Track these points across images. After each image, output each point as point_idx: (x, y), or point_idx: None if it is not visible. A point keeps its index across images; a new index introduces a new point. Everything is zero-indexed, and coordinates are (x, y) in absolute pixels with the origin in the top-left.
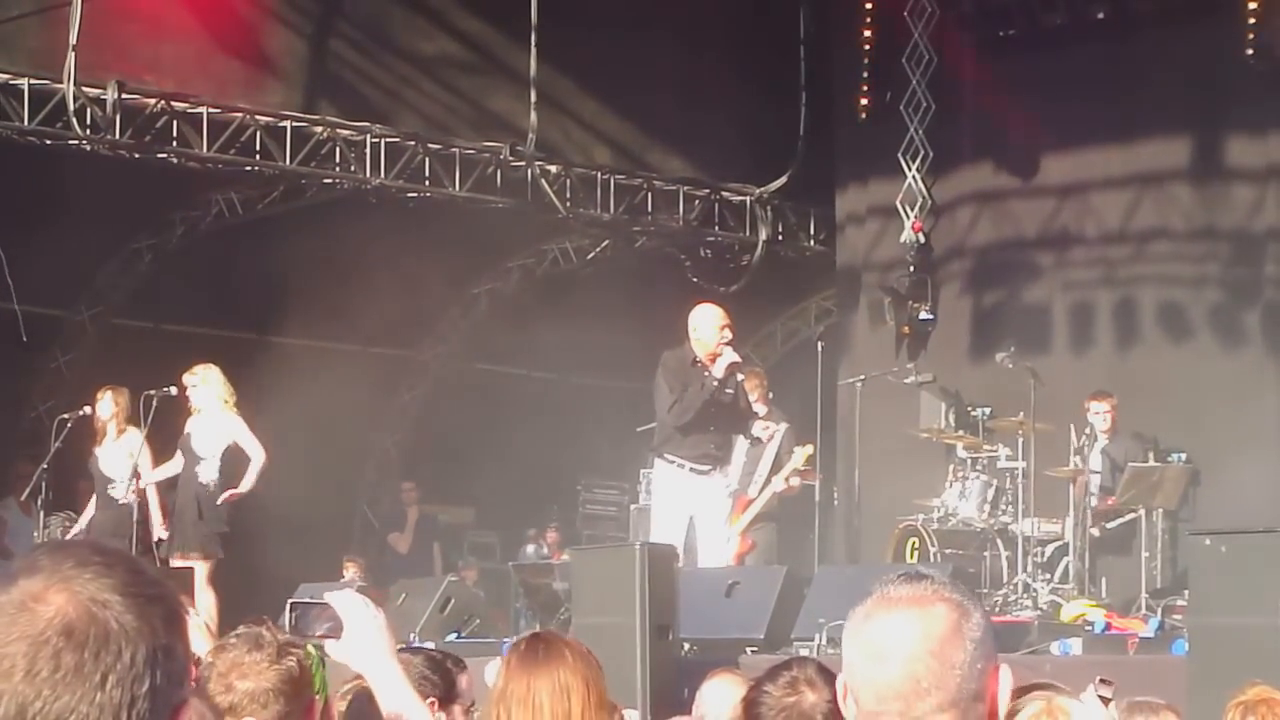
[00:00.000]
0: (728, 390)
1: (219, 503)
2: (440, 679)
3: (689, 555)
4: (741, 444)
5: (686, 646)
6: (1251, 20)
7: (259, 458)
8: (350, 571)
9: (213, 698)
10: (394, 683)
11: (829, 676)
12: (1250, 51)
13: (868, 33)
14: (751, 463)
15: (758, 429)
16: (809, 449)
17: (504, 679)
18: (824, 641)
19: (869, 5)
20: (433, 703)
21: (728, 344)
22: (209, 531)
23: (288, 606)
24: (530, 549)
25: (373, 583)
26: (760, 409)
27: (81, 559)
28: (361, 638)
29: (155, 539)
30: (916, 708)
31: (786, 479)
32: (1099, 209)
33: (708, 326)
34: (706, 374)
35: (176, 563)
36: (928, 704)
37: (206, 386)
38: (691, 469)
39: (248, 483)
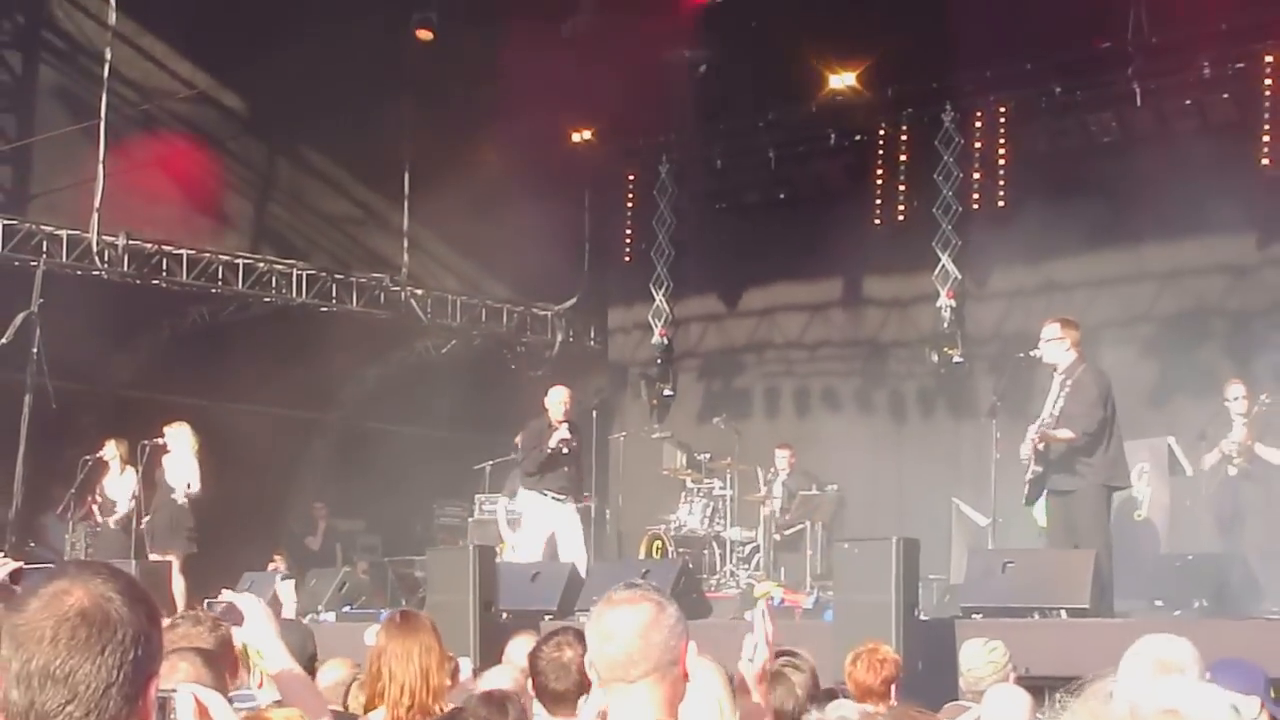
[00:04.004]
0: (565, 449)
1: (183, 498)
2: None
3: (554, 557)
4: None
5: (504, 615)
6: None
7: (196, 487)
8: (278, 560)
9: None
10: (278, 652)
11: (584, 639)
12: (878, 222)
13: (630, 204)
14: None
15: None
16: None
17: (383, 640)
18: None
19: (631, 178)
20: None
21: (563, 420)
22: (180, 533)
23: (205, 605)
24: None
25: (291, 568)
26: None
27: (96, 569)
28: (254, 624)
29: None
30: (631, 673)
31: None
32: (784, 325)
33: (552, 403)
34: (549, 441)
35: (155, 557)
36: (638, 670)
37: (180, 438)
38: (553, 497)
39: (192, 491)
